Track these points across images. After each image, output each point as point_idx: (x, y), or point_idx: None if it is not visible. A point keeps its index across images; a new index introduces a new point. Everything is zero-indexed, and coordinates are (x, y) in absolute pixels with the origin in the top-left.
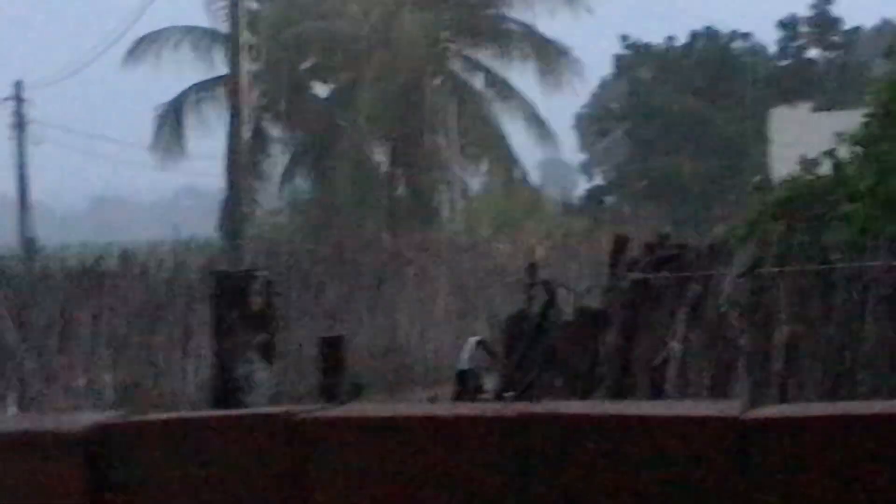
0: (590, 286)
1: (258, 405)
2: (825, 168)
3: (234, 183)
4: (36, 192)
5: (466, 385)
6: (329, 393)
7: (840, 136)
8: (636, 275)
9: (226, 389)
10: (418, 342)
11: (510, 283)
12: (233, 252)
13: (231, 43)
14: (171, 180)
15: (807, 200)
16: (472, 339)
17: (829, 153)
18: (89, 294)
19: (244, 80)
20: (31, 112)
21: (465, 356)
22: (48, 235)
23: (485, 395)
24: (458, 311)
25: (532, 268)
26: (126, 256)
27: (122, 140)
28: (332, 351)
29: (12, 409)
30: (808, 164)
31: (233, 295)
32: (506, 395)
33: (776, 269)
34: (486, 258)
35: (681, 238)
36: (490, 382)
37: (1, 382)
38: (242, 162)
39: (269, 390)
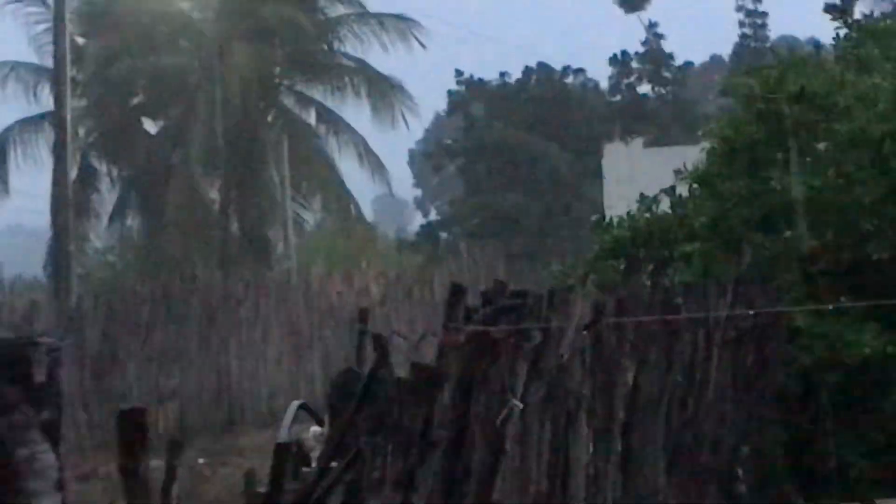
0: (425, 333)
1: (42, 492)
2: (664, 206)
3: (58, 221)
4: None
5: (285, 459)
6: (132, 476)
7: (679, 174)
8: (473, 327)
9: (3, 476)
10: (250, 384)
11: (343, 323)
12: (58, 293)
13: (55, 79)
14: (5, 217)
15: (646, 239)
16: (294, 404)
17: (668, 190)
18: None
19: (68, 116)
20: None
21: (286, 424)
22: None
23: (309, 470)
24: (292, 352)
25: (363, 314)
26: None
27: None
28: (133, 427)
29: None
30: (647, 201)
31: (10, 366)
32: (332, 465)
33: (617, 316)
34: (320, 297)
35: (518, 280)
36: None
37: None
38: (67, 199)
39: (54, 475)
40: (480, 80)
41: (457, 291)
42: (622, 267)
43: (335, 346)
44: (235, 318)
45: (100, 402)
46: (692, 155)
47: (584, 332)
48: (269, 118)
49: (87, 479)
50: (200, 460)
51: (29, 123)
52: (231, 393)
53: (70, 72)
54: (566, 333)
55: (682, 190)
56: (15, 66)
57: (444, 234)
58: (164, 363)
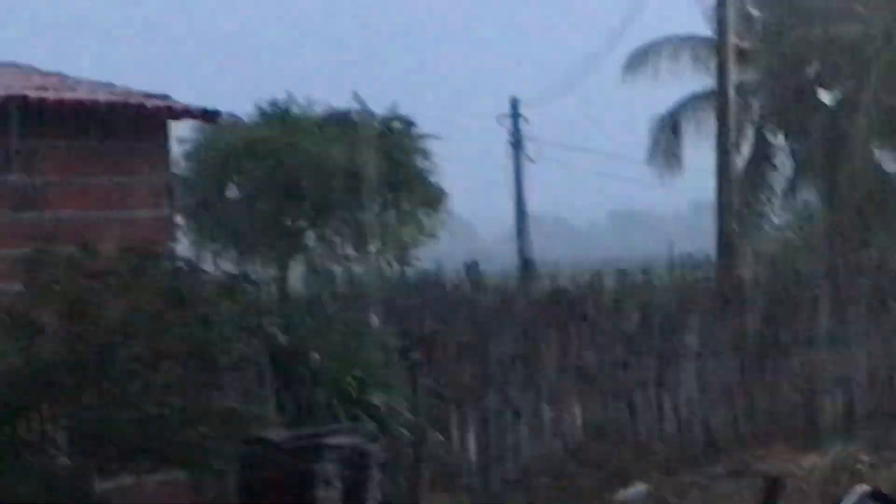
0: None
1: None
2: None
3: (722, 197)
4: (550, 209)
5: None
6: None
7: None
8: None
9: None
10: None
11: None
12: (725, 271)
13: (718, 49)
14: (687, 194)
15: None
16: None
17: None
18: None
19: (730, 87)
20: (526, 129)
21: None
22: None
23: None
24: None
25: None
26: (596, 280)
27: (619, 154)
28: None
29: None
30: None
31: None
32: None
33: None
34: None
35: None
36: None
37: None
38: (730, 174)
39: None
40: None
41: None
42: None
43: None
44: None
45: (761, 389)
46: None
47: None
48: None
49: (739, 475)
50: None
51: (702, 98)
52: None
53: (741, 43)
54: None
55: None
56: (687, 39)
57: None
58: (831, 347)
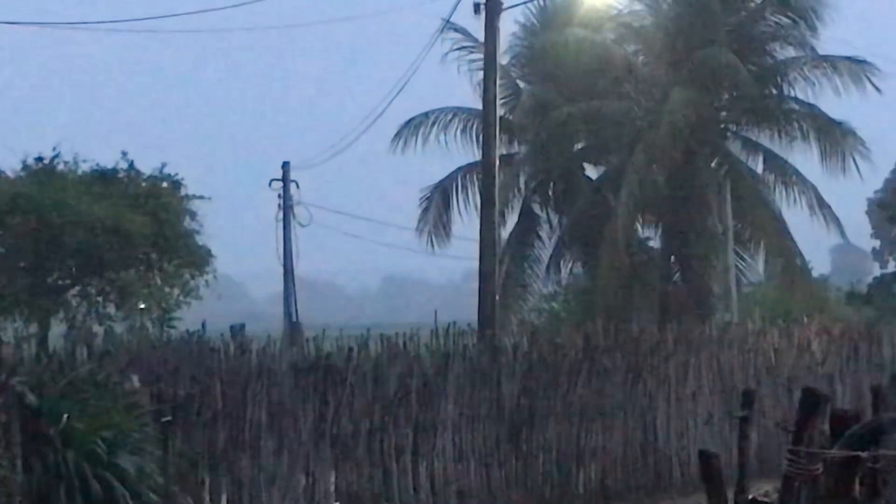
0: (780, 423)
1: None
2: None
3: (486, 267)
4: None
5: None
6: None
7: None
8: (836, 451)
9: None
10: (678, 444)
11: (781, 382)
12: (484, 339)
13: (484, 120)
14: (460, 262)
15: None
16: None
17: None
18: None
19: (496, 158)
20: (299, 194)
21: None
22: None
23: None
24: (723, 410)
25: (749, 396)
26: (358, 346)
27: (393, 221)
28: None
29: None
30: None
31: None
32: None
33: None
34: (756, 353)
35: None
36: None
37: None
38: (493, 243)
39: None
40: None
41: (812, 397)
42: None
43: (770, 405)
44: (663, 372)
45: (516, 459)
46: None
47: None
48: (713, 164)
49: None
50: None
51: (470, 169)
52: (657, 453)
53: (509, 116)
54: None
55: None
56: (458, 112)
57: None
58: (587, 419)
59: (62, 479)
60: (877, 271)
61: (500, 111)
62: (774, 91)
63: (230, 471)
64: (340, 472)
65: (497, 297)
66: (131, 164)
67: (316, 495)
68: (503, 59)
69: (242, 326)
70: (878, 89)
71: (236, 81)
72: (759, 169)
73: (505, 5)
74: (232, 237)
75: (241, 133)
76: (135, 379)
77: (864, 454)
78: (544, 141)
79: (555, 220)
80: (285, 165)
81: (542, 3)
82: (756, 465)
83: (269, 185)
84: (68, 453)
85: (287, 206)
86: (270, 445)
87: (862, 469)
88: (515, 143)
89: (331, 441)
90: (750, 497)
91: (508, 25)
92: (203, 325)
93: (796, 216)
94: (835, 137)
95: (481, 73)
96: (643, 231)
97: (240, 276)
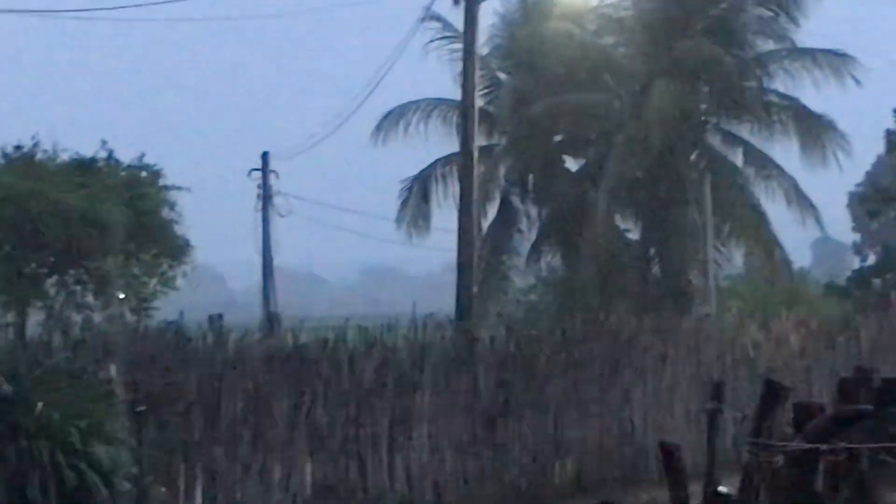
0: (745, 416)
1: None
2: None
3: (464, 259)
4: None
5: None
6: None
7: None
8: (798, 443)
9: None
10: (654, 437)
11: (757, 375)
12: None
13: (462, 112)
14: (439, 253)
15: None
16: None
17: None
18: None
19: (475, 153)
20: (279, 184)
21: None
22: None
23: None
24: (699, 403)
25: (718, 390)
26: (335, 337)
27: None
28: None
29: None
30: None
31: None
32: None
33: None
34: (734, 346)
35: None
36: None
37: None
38: (471, 234)
39: None
40: None
41: (774, 389)
42: None
43: (748, 398)
44: (641, 364)
45: (492, 451)
46: None
47: None
48: (692, 157)
49: None
50: None
51: (450, 162)
52: (634, 445)
53: (489, 108)
54: None
55: None
56: (437, 103)
57: (876, 281)
58: (563, 411)
59: (36, 467)
60: (857, 265)
61: (479, 102)
62: (755, 84)
63: (204, 460)
64: (316, 462)
65: (475, 289)
66: (111, 154)
67: (291, 486)
68: (483, 51)
69: (220, 317)
70: (857, 82)
71: (216, 71)
72: (739, 162)
73: None
74: (212, 227)
75: (221, 123)
76: (112, 368)
77: (823, 447)
78: (524, 133)
79: (534, 213)
80: (265, 155)
81: None
82: (734, 457)
83: (249, 174)
84: (42, 442)
85: (266, 197)
86: (245, 436)
87: (824, 462)
88: (495, 135)
89: (306, 432)
90: (716, 490)
91: (489, 16)
92: (180, 315)
93: (776, 209)
94: (815, 130)
95: (461, 64)
96: (622, 223)
97: (220, 266)
